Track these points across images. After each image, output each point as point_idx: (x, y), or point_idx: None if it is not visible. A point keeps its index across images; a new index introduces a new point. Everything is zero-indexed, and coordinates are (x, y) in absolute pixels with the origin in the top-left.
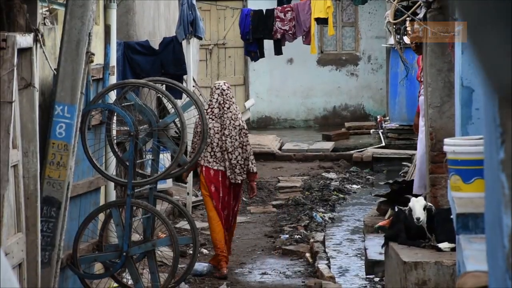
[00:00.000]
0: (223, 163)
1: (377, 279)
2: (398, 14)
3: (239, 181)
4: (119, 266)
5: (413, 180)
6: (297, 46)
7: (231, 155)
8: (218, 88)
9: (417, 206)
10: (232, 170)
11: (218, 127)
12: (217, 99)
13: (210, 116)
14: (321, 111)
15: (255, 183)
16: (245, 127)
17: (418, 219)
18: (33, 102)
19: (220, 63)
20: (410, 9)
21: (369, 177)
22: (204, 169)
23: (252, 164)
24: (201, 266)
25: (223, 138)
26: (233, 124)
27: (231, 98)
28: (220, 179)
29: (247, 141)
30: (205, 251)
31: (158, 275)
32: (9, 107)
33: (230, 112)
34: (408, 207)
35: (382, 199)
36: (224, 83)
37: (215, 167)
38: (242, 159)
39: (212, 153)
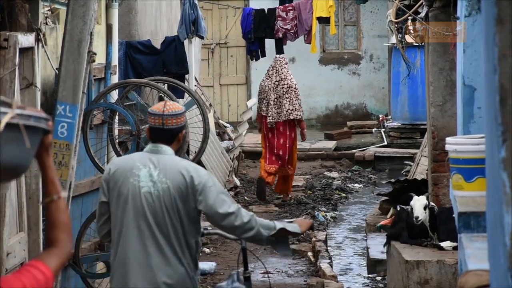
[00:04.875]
0: (271, 112)
1: (379, 278)
2: (400, 13)
3: (273, 126)
4: None
5: (415, 179)
6: (299, 45)
7: (275, 106)
8: (274, 59)
9: (417, 205)
10: (273, 118)
11: (270, 84)
12: (271, 65)
13: (266, 77)
14: (323, 110)
15: (305, 130)
16: (294, 86)
17: (416, 218)
18: (35, 101)
19: (222, 62)
20: (412, 8)
21: (371, 176)
22: (263, 118)
23: (298, 113)
24: (208, 265)
25: (270, 93)
26: (282, 83)
27: (283, 65)
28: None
29: (296, 96)
30: (207, 250)
31: None
32: None
33: (282, 73)
34: (410, 206)
35: (384, 198)
36: (279, 55)
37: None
38: (288, 110)
39: (266, 104)
